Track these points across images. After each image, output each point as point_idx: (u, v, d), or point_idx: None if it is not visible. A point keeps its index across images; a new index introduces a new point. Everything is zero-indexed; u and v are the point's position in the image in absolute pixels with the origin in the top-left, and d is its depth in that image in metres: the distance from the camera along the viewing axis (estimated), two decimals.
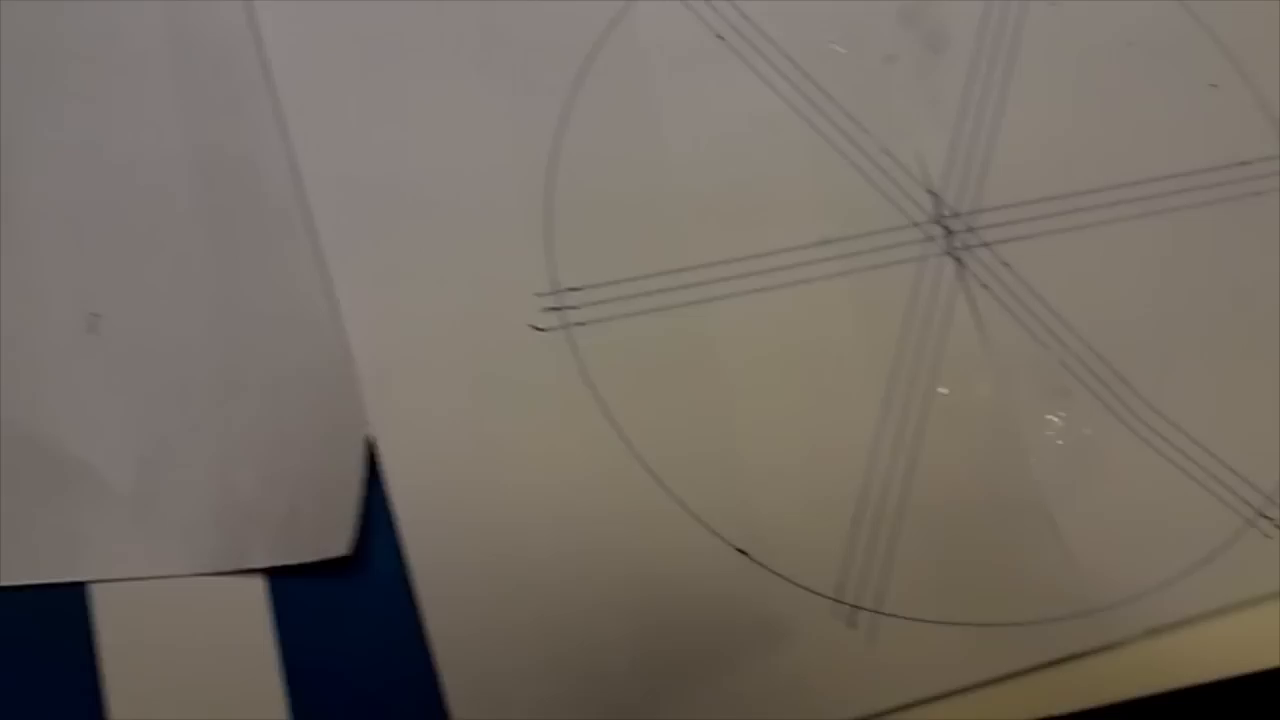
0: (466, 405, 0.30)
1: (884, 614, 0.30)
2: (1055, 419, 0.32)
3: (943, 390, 0.32)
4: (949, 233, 0.33)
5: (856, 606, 0.30)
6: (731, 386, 0.31)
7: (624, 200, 0.32)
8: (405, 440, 0.30)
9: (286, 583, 0.28)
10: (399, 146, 0.32)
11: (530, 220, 0.32)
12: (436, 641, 0.28)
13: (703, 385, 0.31)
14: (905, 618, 0.30)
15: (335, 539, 0.28)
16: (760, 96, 0.33)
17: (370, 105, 0.32)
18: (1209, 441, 0.32)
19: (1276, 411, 0.33)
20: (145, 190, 0.31)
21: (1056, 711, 0.30)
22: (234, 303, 0.30)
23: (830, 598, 0.30)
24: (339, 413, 0.29)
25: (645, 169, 0.33)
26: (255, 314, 0.30)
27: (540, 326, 0.31)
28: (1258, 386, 0.33)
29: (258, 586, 0.28)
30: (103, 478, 0.29)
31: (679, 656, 0.29)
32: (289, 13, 0.32)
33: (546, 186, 0.32)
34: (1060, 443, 0.32)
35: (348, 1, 0.33)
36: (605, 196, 0.32)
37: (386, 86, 0.32)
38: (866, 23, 0.34)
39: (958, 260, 0.33)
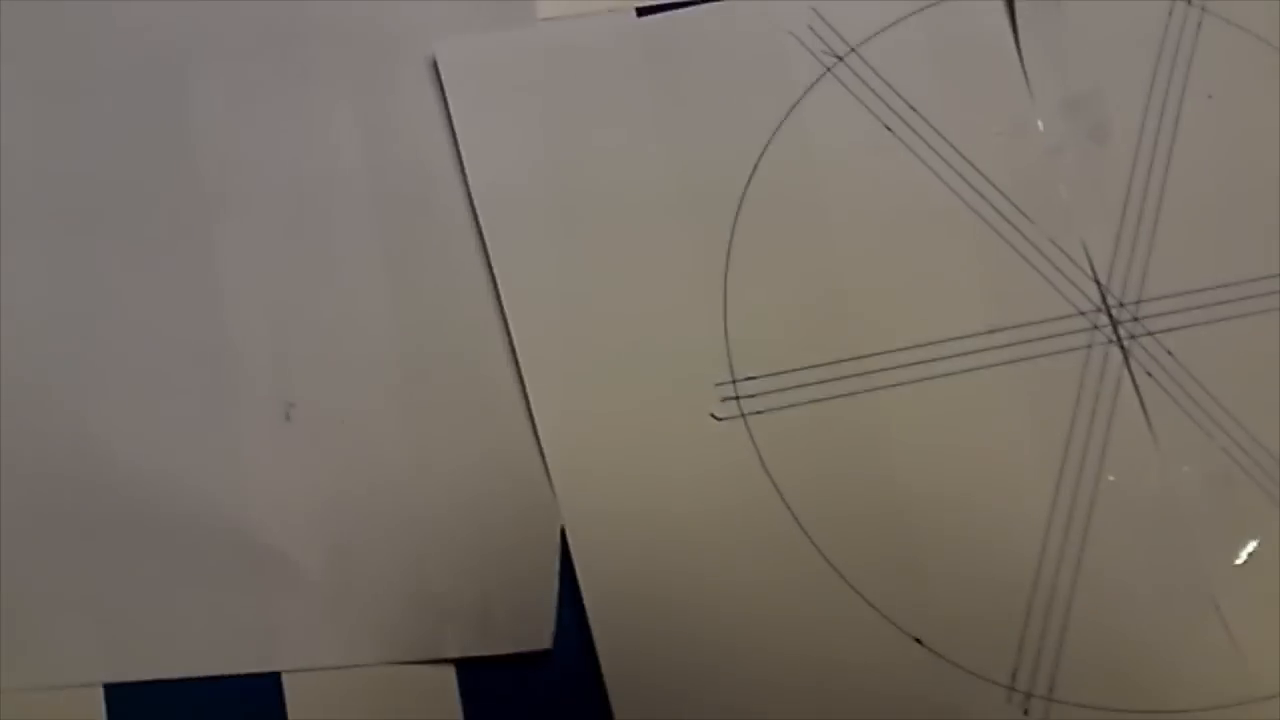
0: (652, 495, 0.31)
1: (1055, 700, 0.31)
2: (1220, 506, 0.33)
3: (1111, 478, 0.33)
4: (1115, 322, 0.34)
5: (1030, 694, 0.31)
6: (904, 475, 0.32)
7: (796, 290, 0.33)
8: (594, 531, 0.31)
9: (477, 672, 0.29)
10: (584, 242, 0.33)
11: (710, 311, 0.33)
12: None
13: (876, 474, 0.32)
14: (1076, 704, 0.31)
15: (534, 631, 0.29)
16: (928, 186, 0.34)
17: (556, 208, 0.33)
18: None
19: None
20: (340, 278, 0.32)
21: None
22: (424, 390, 0.31)
23: (1005, 685, 0.31)
24: (531, 503, 0.30)
25: (815, 259, 0.33)
26: (445, 402, 0.31)
27: (720, 416, 0.32)
28: None
29: (447, 675, 0.29)
30: (297, 567, 0.30)
31: None
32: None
33: (725, 277, 0.33)
34: (1225, 532, 0.33)
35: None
36: (778, 287, 0.33)
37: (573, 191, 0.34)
38: (1031, 113, 0.35)
39: (1123, 349, 0.34)
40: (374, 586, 0.30)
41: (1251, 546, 0.33)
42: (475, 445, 0.31)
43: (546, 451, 0.31)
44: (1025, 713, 0.31)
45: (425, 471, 0.31)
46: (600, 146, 0.34)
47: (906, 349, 0.33)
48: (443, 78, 0.33)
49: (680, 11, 0.34)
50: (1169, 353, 0.34)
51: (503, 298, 0.32)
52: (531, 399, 0.31)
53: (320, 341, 0.32)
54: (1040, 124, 0.35)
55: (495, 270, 0.32)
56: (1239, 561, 0.32)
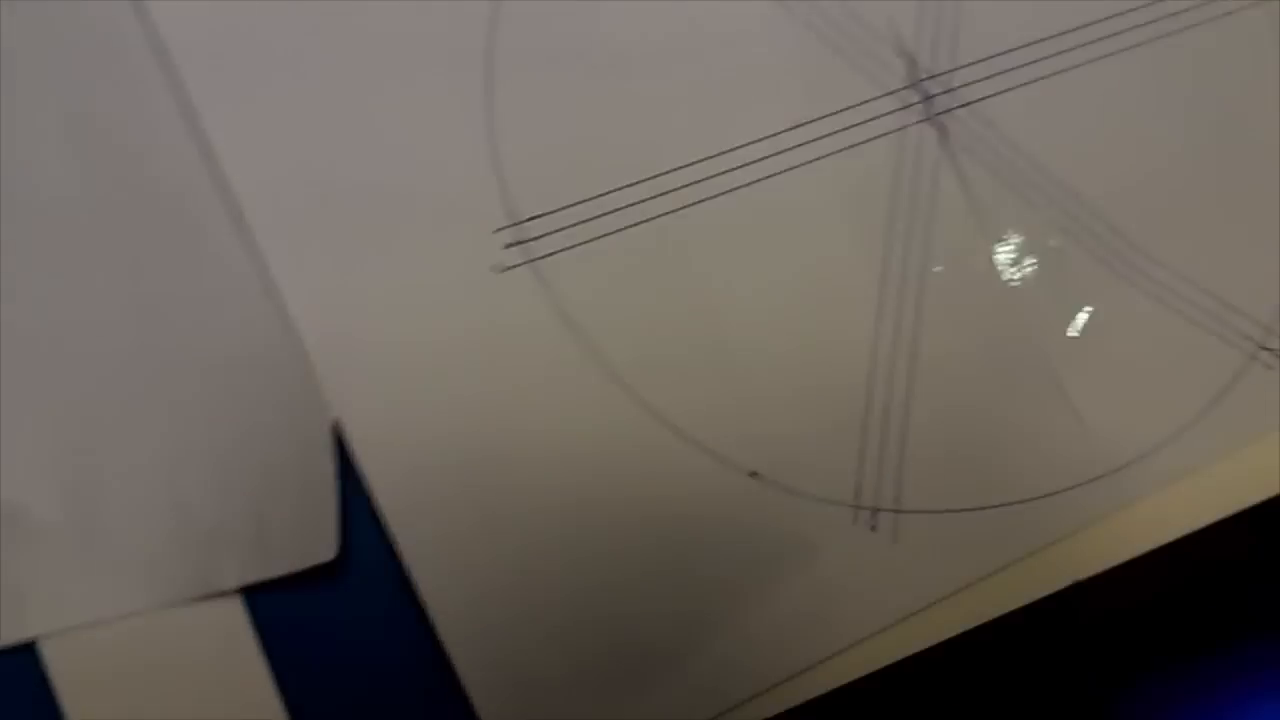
0: (437, 368, 0.27)
1: (904, 511, 0.29)
2: (1053, 279, 0.31)
3: (938, 268, 0.30)
4: (927, 97, 0.31)
5: (876, 509, 0.29)
6: (720, 299, 0.29)
7: (573, 112, 0.29)
8: (376, 420, 0.27)
9: (266, 599, 0.26)
10: (316, 100, 0.28)
11: (473, 151, 0.28)
12: (446, 628, 0.26)
13: (689, 302, 0.29)
14: (926, 511, 0.29)
15: (317, 543, 0.25)
16: None
17: (281, 69, 0.28)
18: (1204, 279, 0.31)
19: (1268, 237, 0.32)
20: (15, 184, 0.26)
21: (1079, 577, 0.30)
22: (147, 294, 0.26)
23: (849, 504, 0.29)
24: (294, 401, 0.26)
25: (590, 76, 0.29)
26: (175, 302, 0.26)
27: (503, 266, 0.28)
28: (1248, 214, 0.32)
29: (234, 607, 0.26)
30: (29, 514, 0.25)
31: (705, 589, 0.28)
32: None
33: (486, 103, 0.28)
34: (1059, 305, 0.31)
35: None
36: (552, 111, 0.29)
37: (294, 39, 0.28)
38: None
39: (939, 126, 0.31)
40: (126, 523, 0.25)
41: (1085, 317, 0.31)
42: (217, 346, 0.26)
43: (303, 333, 0.27)
44: (873, 529, 0.29)
45: (160, 384, 0.26)
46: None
47: (703, 160, 0.29)
48: None
49: None
50: (989, 123, 0.31)
51: (224, 165, 0.27)
52: (277, 275, 0.27)
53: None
54: None
55: (212, 138, 0.27)
56: (1074, 334, 0.31)
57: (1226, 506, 0.30)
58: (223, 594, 0.25)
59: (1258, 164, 0.32)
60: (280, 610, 0.26)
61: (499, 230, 0.28)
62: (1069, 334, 0.31)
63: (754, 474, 0.29)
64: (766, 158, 0.30)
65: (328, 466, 0.26)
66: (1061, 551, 0.30)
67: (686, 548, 0.28)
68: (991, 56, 0.31)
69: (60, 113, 0.27)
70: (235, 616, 0.26)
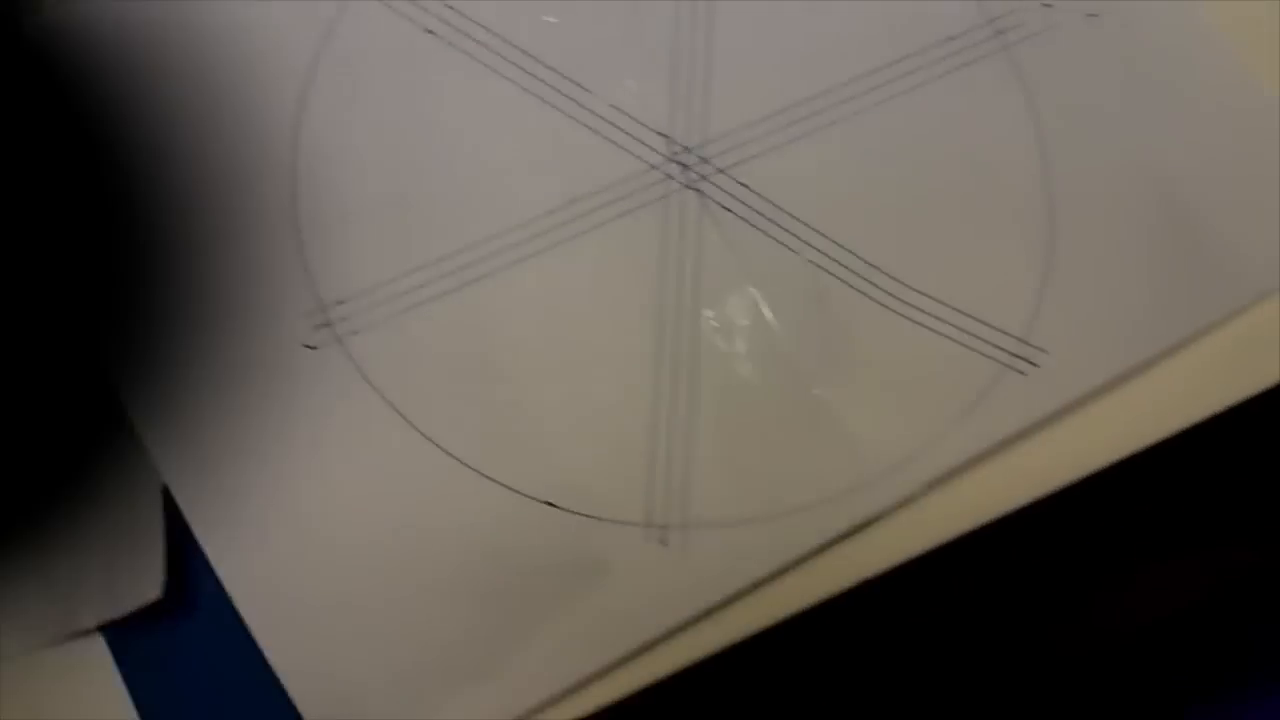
0: (260, 438, 0.32)
1: (690, 527, 0.33)
2: (819, 313, 0.35)
3: (708, 313, 0.34)
4: (685, 167, 0.35)
5: (665, 526, 0.33)
6: (510, 356, 0.34)
7: (368, 204, 0.34)
8: (202, 484, 0.32)
9: (123, 636, 0.31)
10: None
11: (285, 251, 0.34)
12: (279, 667, 0.30)
13: (483, 362, 0.34)
14: (710, 525, 0.33)
15: (148, 585, 0.30)
16: (483, 79, 0.35)
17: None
18: (959, 301, 0.35)
19: (1013, 260, 0.36)
20: None
21: (864, 576, 0.33)
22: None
23: (640, 524, 0.33)
24: (129, 470, 0.31)
25: (382, 176, 0.35)
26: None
27: (313, 344, 0.33)
28: (995, 240, 0.36)
29: (98, 649, 0.30)
30: None
31: (511, 612, 0.32)
32: None
33: (291, 204, 0.34)
34: (824, 333, 0.35)
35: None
36: (349, 205, 0.34)
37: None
38: None
39: (698, 191, 0.35)
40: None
41: (849, 341, 0.35)
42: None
43: (132, 413, 0.32)
44: (663, 543, 0.33)
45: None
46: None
47: (490, 238, 0.34)
48: None
49: None
50: (743, 185, 0.35)
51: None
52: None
53: None
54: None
55: None
56: (841, 358, 0.34)
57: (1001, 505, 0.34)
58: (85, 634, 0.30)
59: (1001, 194, 0.36)
60: (135, 648, 0.30)
61: (307, 313, 0.33)
62: (835, 357, 0.34)
63: (550, 503, 0.33)
64: (548, 230, 0.35)
65: (156, 521, 0.30)
66: (844, 552, 0.33)
67: (494, 573, 0.32)
68: (741, 127, 0.36)
69: None
70: (100, 658, 0.30)
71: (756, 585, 0.32)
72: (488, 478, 0.33)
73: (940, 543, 0.33)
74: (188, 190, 0.34)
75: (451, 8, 0.36)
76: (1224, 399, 0.34)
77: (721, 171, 0.36)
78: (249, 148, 0.34)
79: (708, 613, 0.32)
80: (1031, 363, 0.35)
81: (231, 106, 0.34)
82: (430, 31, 0.35)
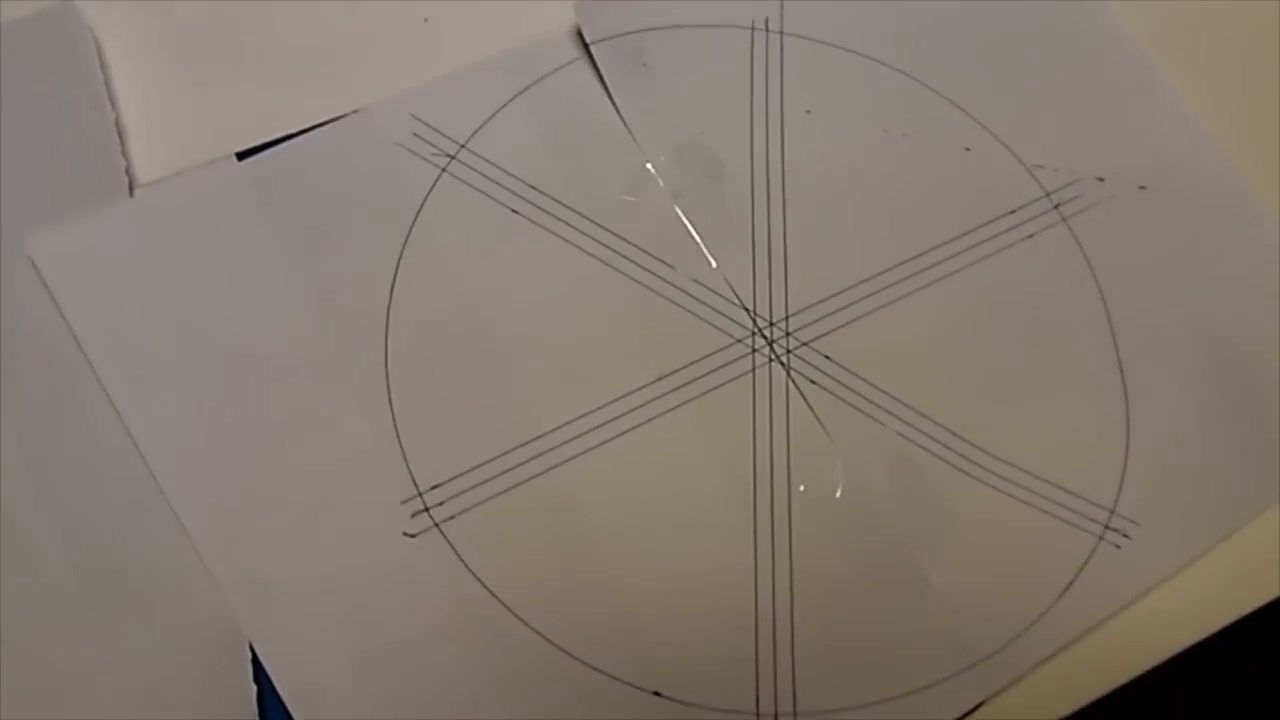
0: (363, 631, 0.31)
1: (800, 714, 0.32)
2: (908, 487, 0.34)
3: (802, 488, 0.34)
4: (769, 341, 0.35)
5: (775, 714, 0.32)
6: (605, 540, 0.33)
7: (460, 391, 0.34)
8: (305, 680, 0.30)
9: None
10: (229, 402, 0.32)
11: (381, 436, 0.33)
12: None
13: (578, 546, 0.33)
14: (819, 712, 0.32)
15: None
16: (567, 257, 0.35)
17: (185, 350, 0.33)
18: (1046, 472, 0.35)
19: (1094, 428, 0.36)
20: None
21: None
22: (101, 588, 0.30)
23: (749, 713, 0.32)
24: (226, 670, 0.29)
25: (471, 356, 0.34)
26: (125, 592, 0.30)
27: (412, 532, 0.32)
28: (1075, 408, 0.36)
29: None
30: None
31: None
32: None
33: (389, 399, 0.33)
34: (915, 508, 0.34)
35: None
36: (442, 394, 0.33)
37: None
38: (645, 169, 0.36)
39: (783, 364, 0.35)
40: None
41: (941, 516, 0.34)
42: (160, 626, 0.30)
43: (239, 620, 0.30)
44: None
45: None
46: (223, 302, 0.33)
47: (580, 418, 0.34)
48: (43, 274, 0.32)
49: (281, 146, 0.35)
50: (827, 357, 0.36)
51: (158, 479, 0.31)
52: (210, 568, 0.30)
53: None
54: (657, 176, 0.36)
55: (144, 453, 0.31)
56: (938, 535, 0.34)
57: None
58: None
59: (1073, 359, 0.37)
60: None
61: (404, 502, 0.32)
62: (928, 533, 0.34)
63: (657, 693, 0.31)
64: (637, 408, 0.34)
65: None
66: None
67: None
68: (821, 301, 0.36)
69: None
70: None
71: None
72: (592, 667, 0.31)
73: None
74: (279, 382, 0.33)
75: (535, 188, 0.36)
76: None
77: (805, 344, 0.36)
78: (341, 331, 0.33)
79: None
80: (1125, 535, 0.35)
81: (318, 291, 0.34)
82: (515, 211, 0.35)
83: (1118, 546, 0.34)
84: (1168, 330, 0.37)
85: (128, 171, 0.33)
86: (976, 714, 0.32)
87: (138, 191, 0.33)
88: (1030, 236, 0.38)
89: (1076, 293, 0.38)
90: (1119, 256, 0.38)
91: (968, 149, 0.39)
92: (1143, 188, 0.39)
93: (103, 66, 0.34)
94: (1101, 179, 0.39)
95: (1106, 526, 0.35)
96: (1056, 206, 0.39)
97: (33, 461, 0.31)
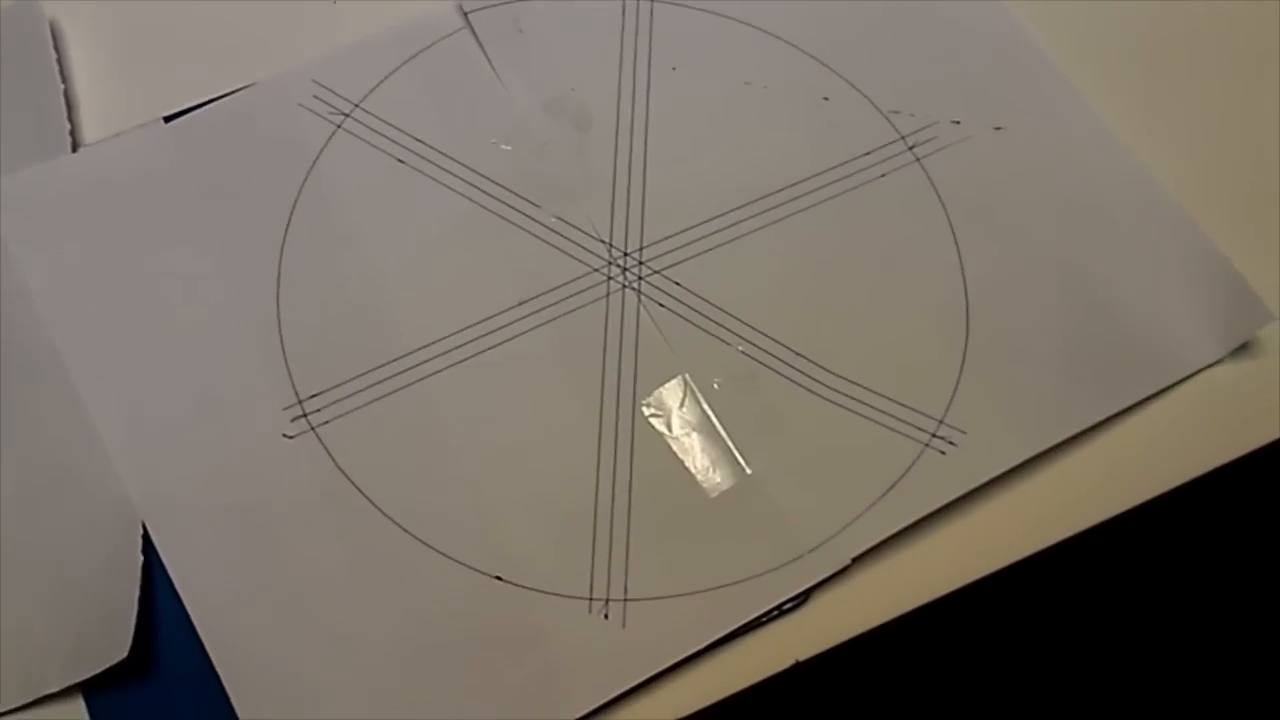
0: (246, 515, 0.36)
1: (630, 600, 0.35)
2: (746, 398, 0.38)
3: (646, 400, 0.38)
4: (624, 270, 0.39)
5: (607, 600, 0.35)
6: (463, 444, 0.37)
7: (342, 314, 0.38)
8: (190, 557, 0.35)
9: (104, 698, 0.33)
10: (149, 331, 0.38)
11: (268, 351, 0.38)
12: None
13: (439, 448, 0.37)
14: (648, 598, 0.35)
15: (115, 647, 0.33)
16: (446, 200, 0.40)
17: (111, 275, 0.39)
18: (882, 387, 0.38)
19: (932, 348, 0.38)
20: None
21: (800, 658, 0.35)
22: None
23: (584, 598, 0.35)
24: (112, 533, 0.35)
25: (355, 285, 0.39)
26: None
27: (290, 434, 0.37)
28: (914, 330, 0.39)
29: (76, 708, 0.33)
30: None
31: (460, 679, 0.34)
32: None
33: (278, 321, 0.38)
34: (753, 417, 0.37)
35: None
36: (327, 316, 0.38)
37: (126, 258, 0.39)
38: (520, 121, 0.41)
39: (636, 290, 0.39)
40: None
41: (777, 424, 0.37)
42: (67, 509, 0.35)
43: (133, 495, 0.35)
44: (605, 617, 0.35)
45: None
46: (147, 235, 0.39)
47: (447, 336, 0.38)
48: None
49: (202, 109, 0.40)
50: (677, 284, 0.39)
51: (77, 381, 0.37)
52: (112, 455, 0.36)
53: None
54: (529, 127, 0.41)
55: (67, 360, 0.37)
56: (771, 441, 0.37)
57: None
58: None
59: (919, 289, 0.39)
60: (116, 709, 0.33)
61: (286, 408, 0.37)
62: (765, 438, 0.37)
63: (499, 577, 0.35)
64: (500, 328, 0.38)
65: (131, 589, 0.33)
66: (778, 631, 0.35)
67: (448, 645, 0.34)
68: (673, 234, 0.40)
69: None
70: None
71: (692, 659, 0.34)
72: (442, 554, 0.35)
73: (876, 624, 0.35)
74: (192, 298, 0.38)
75: (420, 140, 0.40)
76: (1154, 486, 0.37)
77: (657, 273, 0.39)
78: (241, 262, 0.39)
79: (646, 684, 0.34)
80: (950, 442, 0.37)
81: (225, 228, 0.39)
82: (401, 161, 0.40)
83: (943, 453, 0.37)
84: (1014, 257, 0.40)
85: (72, 134, 0.40)
86: (807, 607, 0.35)
87: (81, 150, 0.40)
88: (883, 176, 0.41)
89: (927, 226, 0.40)
90: (971, 191, 0.41)
91: (826, 98, 0.42)
92: (999, 128, 0.42)
93: (58, 49, 0.41)
94: (958, 122, 0.42)
95: (933, 435, 0.37)
96: (911, 148, 0.41)
97: None
